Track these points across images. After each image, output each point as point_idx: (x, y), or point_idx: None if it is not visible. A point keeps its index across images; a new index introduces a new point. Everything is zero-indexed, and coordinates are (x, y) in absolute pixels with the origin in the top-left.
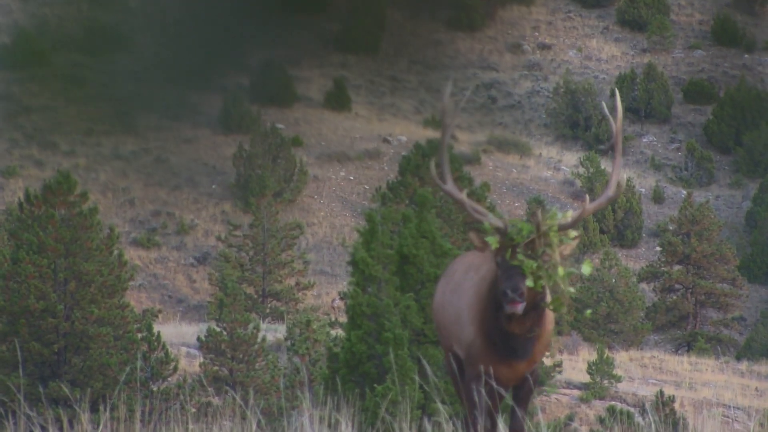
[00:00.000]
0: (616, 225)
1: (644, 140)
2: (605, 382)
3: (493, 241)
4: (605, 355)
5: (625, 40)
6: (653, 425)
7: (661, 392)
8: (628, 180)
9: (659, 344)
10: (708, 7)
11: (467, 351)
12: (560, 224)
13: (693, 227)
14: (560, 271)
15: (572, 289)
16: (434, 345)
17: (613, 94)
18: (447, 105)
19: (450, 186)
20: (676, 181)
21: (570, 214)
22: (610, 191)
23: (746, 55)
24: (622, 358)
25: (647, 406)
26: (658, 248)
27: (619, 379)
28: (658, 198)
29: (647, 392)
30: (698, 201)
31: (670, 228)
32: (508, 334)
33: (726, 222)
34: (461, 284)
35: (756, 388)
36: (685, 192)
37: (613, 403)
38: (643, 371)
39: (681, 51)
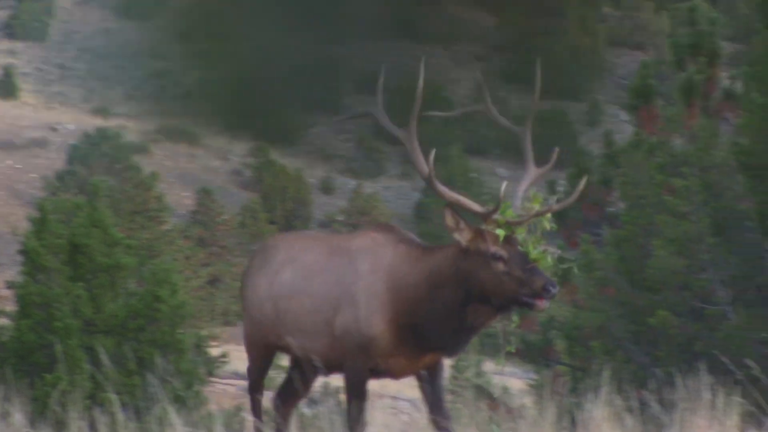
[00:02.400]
0: (286, 215)
1: (314, 131)
2: (272, 372)
3: (501, 233)
4: None
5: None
6: (325, 414)
7: (327, 383)
8: (298, 170)
9: None
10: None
11: (365, 343)
12: (547, 209)
13: (362, 218)
14: (549, 259)
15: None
16: (105, 335)
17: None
18: (419, 93)
19: (442, 188)
20: (346, 172)
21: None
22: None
23: (418, 47)
24: None
25: (317, 395)
26: None
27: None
28: (327, 188)
29: (316, 381)
30: (368, 191)
31: (340, 218)
32: (462, 330)
33: (395, 213)
34: (335, 271)
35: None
36: (354, 182)
37: None
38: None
39: (354, 41)
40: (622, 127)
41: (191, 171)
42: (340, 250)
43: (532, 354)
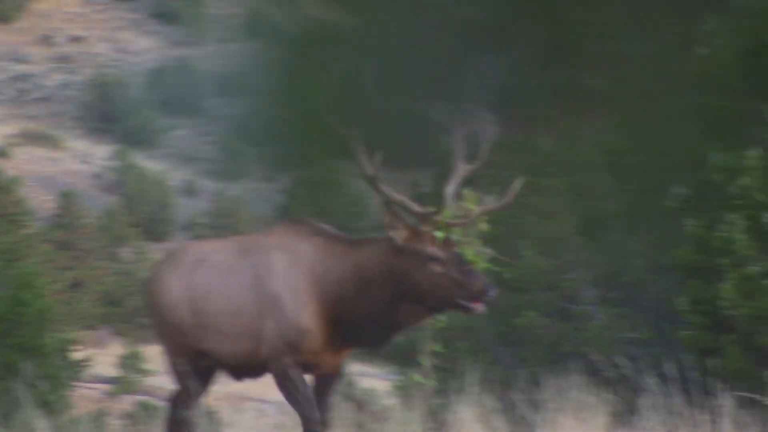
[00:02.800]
0: (147, 218)
1: (177, 133)
2: (136, 376)
3: (441, 235)
4: (134, 349)
5: (159, 32)
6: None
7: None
8: (160, 173)
9: None
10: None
11: (296, 340)
12: (485, 209)
13: (225, 220)
14: (484, 261)
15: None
16: None
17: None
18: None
19: (385, 187)
20: (208, 175)
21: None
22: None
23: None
24: (151, 352)
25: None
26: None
27: (148, 373)
28: (190, 191)
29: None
30: (230, 194)
31: (202, 221)
32: (391, 328)
33: (259, 215)
34: (251, 271)
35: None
36: (217, 185)
37: (143, 397)
38: None
39: (215, 44)
40: (488, 127)
41: (53, 174)
42: (252, 249)
43: (398, 355)
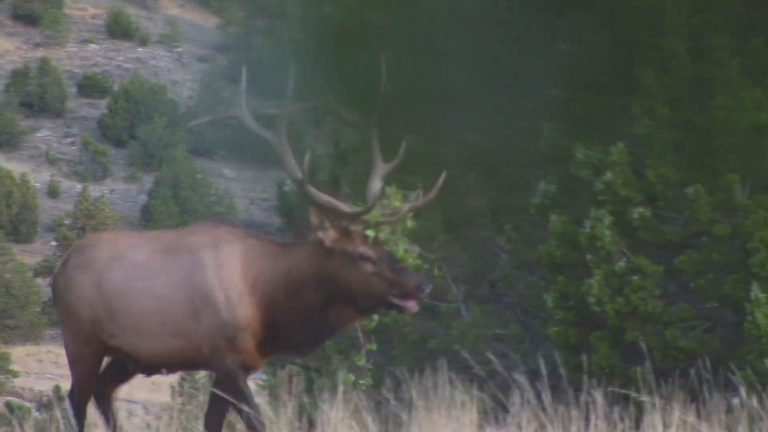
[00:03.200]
0: (11, 220)
1: (39, 135)
2: (1, 377)
3: (371, 233)
4: (1, 351)
5: (19, 34)
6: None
7: (58, 387)
8: (23, 174)
9: (56, 339)
10: (102, 1)
11: (233, 337)
12: (412, 205)
13: (89, 221)
14: (413, 258)
15: None
16: None
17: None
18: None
19: (313, 189)
20: (72, 176)
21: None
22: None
23: (140, 49)
24: (19, 353)
25: (46, 400)
26: (54, 243)
27: (16, 375)
28: (53, 192)
29: (45, 387)
30: (94, 195)
31: (66, 222)
32: (323, 331)
33: (122, 215)
34: (179, 271)
35: (152, 381)
36: (80, 186)
37: (9, 398)
38: (41, 366)
39: (75, 45)
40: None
41: None
42: (177, 247)
43: None
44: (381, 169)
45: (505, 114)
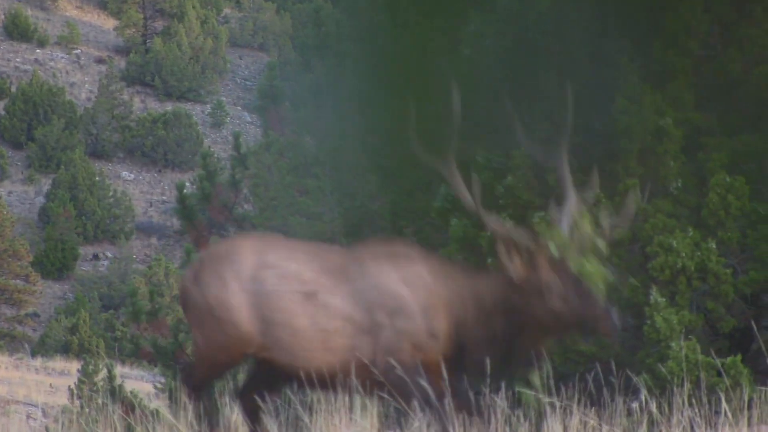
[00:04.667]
0: None
1: None
2: None
3: (557, 258)
4: None
5: None
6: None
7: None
8: None
9: None
10: None
11: (416, 343)
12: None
13: None
14: (605, 274)
15: None
16: None
17: None
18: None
19: (493, 221)
20: None
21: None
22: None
23: (38, 50)
24: None
25: None
26: None
27: None
28: None
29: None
30: None
31: None
32: (510, 357)
33: (19, 218)
34: (355, 290)
35: (51, 384)
36: None
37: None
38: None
39: None
40: (247, 128)
41: None
42: (349, 265)
43: (162, 357)
44: (573, 199)
45: (405, 117)
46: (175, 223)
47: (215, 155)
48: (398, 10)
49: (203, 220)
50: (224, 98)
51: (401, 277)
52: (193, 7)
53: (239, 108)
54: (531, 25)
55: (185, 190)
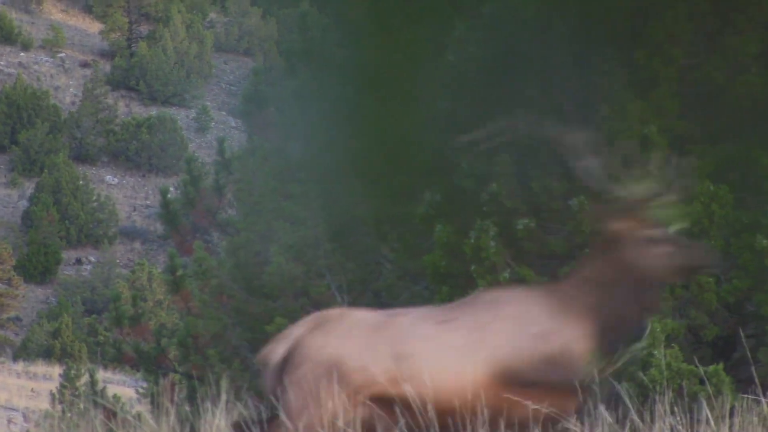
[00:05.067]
0: None
1: None
2: None
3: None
4: None
5: None
6: None
7: None
8: None
9: None
10: None
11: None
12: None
13: None
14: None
15: None
16: None
17: None
18: None
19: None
20: None
21: None
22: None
23: (23, 54)
24: None
25: None
26: None
27: None
28: None
29: None
30: None
31: None
32: (642, 316)
33: (2, 221)
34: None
35: (32, 389)
36: None
37: None
38: None
39: None
40: (232, 133)
41: None
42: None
43: (145, 362)
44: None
45: (390, 122)
46: (159, 227)
47: (199, 160)
48: (383, 17)
49: (187, 224)
50: (209, 103)
51: (540, 328)
52: (179, 12)
53: (224, 113)
54: (515, 32)
55: (169, 195)
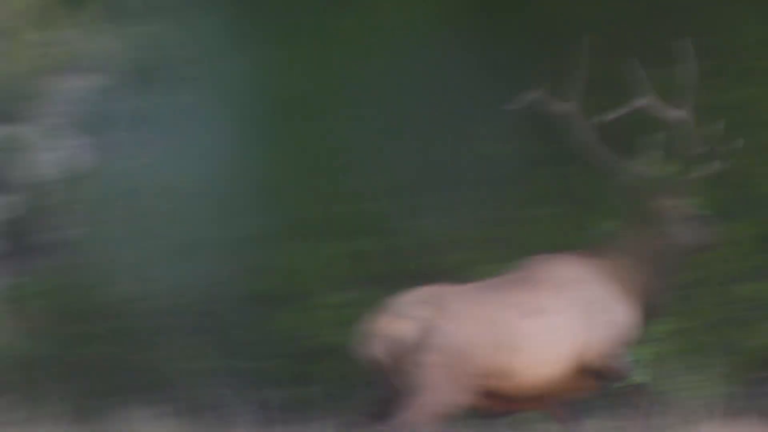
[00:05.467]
0: None
1: None
2: None
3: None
4: None
5: None
6: None
7: None
8: None
9: None
10: None
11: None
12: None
13: None
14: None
15: None
16: None
17: None
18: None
19: None
20: None
21: None
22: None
23: None
24: None
25: None
26: None
27: None
28: None
29: None
30: None
31: None
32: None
33: None
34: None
35: None
36: None
37: None
38: None
39: None
40: (80, 151)
41: None
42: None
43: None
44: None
45: (239, 141)
46: (3, 244)
47: (47, 178)
48: (239, 36)
49: (32, 242)
50: (58, 120)
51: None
52: (30, 27)
53: (73, 130)
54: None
55: (14, 213)
